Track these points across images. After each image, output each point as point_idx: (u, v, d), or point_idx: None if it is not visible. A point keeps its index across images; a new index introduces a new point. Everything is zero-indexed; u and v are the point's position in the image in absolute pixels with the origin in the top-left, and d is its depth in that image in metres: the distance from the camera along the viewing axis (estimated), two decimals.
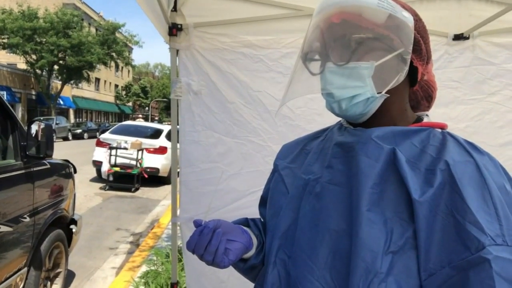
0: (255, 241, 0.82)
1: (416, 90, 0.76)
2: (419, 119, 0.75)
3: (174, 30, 1.80)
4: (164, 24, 1.77)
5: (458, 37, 1.94)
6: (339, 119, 0.81)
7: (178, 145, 1.93)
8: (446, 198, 0.58)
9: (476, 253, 0.53)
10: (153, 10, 1.65)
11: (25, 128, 2.47)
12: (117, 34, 31.14)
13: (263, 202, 0.91)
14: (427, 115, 0.77)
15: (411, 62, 0.70)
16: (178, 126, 1.92)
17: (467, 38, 1.94)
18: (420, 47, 0.70)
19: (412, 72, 0.72)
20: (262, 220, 0.91)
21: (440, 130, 0.70)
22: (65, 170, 3.16)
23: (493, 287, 0.51)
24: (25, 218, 2.37)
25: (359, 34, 0.67)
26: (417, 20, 0.71)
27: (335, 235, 0.66)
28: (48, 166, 2.76)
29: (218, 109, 1.83)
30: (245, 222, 0.87)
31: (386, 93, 0.68)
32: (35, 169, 2.53)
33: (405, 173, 0.62)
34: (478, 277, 0.53)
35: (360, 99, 0.68)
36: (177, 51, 1.85)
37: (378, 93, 0.67)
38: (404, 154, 0.64)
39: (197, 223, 0.74)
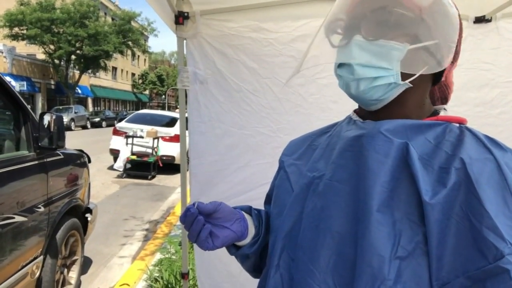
0: (252, 231, 0.78)
1: (434, 89, 0.70)
2: (435, 113, 0.69)
3: (180, 18, 1.75)
4: (170, 13, 1.73)
5: (480, 20, 1.82)
6: (352, 108, 0.76)
7: (187, 135, 1.91)
8: (461, 200, 0.52)
9: (494, 262, 0.48)
10: (158, 0, 1.61)
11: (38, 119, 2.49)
12: (133, 23, 31.29)
13: (268, 200, 0.87)
14: (444, 109, 0.71)
15: None
16: (186, 116, 1.89)
17: (489, 20, 1.82)
18: (458, 48, 0.65)
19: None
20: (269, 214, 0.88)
21: (457, 124, 0.64)
22: (79, 159, 3.19)
23: None
24: (40, 207, 2.41)
25: (401, 10, 0.61)
26: (458, 16, 0.66)
27: (337, 237, 0.61)
28: (62, 156, 2.78)
29: (225, 99, 1.78)
30: (248, 210, 0.84)
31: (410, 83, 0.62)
32: (48, 159, 2.56)
33: (416, 171, 0.56)
34: None
35: (381, 82, 0.62)
36: (185, 39, 1.81)
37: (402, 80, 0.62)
38: (417, 150, 0.59)
39: (194, 203, 0.72)
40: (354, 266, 0.58)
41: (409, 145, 0.59)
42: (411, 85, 0.63)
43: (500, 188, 0.52)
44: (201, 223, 0.69)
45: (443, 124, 0.63)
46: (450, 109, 0.72)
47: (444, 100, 0.74)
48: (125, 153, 8.37)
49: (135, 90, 49.95)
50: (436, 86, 0.70)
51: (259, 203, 0.92)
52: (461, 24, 0.66)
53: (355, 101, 0.69)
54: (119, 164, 8.35)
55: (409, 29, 0.61)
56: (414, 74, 0.62)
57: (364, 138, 0.64)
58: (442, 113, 0.69)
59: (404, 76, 0.62)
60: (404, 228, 0.55)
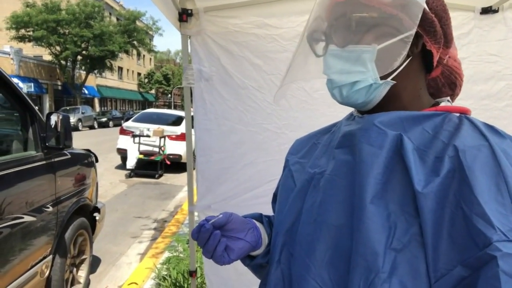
0: (265, 239, 0.78)
1: (436, 76, 0.69)
2: (436, 105, 0.68)
3: (184, 15, 1.75)
4: (173, 11, 1.72)
5: (486, 11, 1.79)
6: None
7: (193, 133, 1.90)
8: (455, 188, 0.51)
9: (483, 249, 0.47)
10: None
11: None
12: (138, 23, 31.41)
13: (275, 199, 0.87)
14: (448, 100, 0.69)
15: (424, 45, 0.63)
16: (192, 114, 1.89)
17: (496, 11, 1.79)
18: (434, 28, 0.63)
19: (427, 56, 0.65)
20: None
21: (458, 114, 0.62)
22: (87, 159, 3.21)
23: None
24: (48, 207, 2.43)
25: (363, 13, 0.61)
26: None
27: (334, 230, 0.61)
28: (69, 156, 2.80)
29: (230, 96, 1.77)
30: (259, 217, 0.84)
31: (393, 79, 0.62)
32: (56, 159, 2.58)
33: (410, 162, 0.56)
34: (484, 277, 0.46)
35: (361, 85, 0.62)
36: (189, 37, 1.80)
37: (382, 79, 0.61)
38: (414, 141, 0.58)
39: (207, 219, 0.71)
40: (349, 259, 0.57)
41: (403, 136, 0.59)
42: (395, 82, 0.62)
43: (493, 175, 0.50)
44: (217, 238, 0.68)
45: (442, 114, 0.62)
46: (456, 103, 0.70)
47: (452, 85, 0.72)
48: (133, 152, 8.42)
49: (141, 89, 50.23)
50: (438, 72, 0.69)
51: (265, 201, 0.92)
52: (443, 5, 0.65)
53: (346, 105, 0.69)
54: (131, 162, 8.39)
55: (378, 28, 0.61)
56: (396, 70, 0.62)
57: (358, 132, 0.64)
58: (443, 104, 0.68)
59: (388, 74, 0.62)
60: (399, 220, 0.55)
